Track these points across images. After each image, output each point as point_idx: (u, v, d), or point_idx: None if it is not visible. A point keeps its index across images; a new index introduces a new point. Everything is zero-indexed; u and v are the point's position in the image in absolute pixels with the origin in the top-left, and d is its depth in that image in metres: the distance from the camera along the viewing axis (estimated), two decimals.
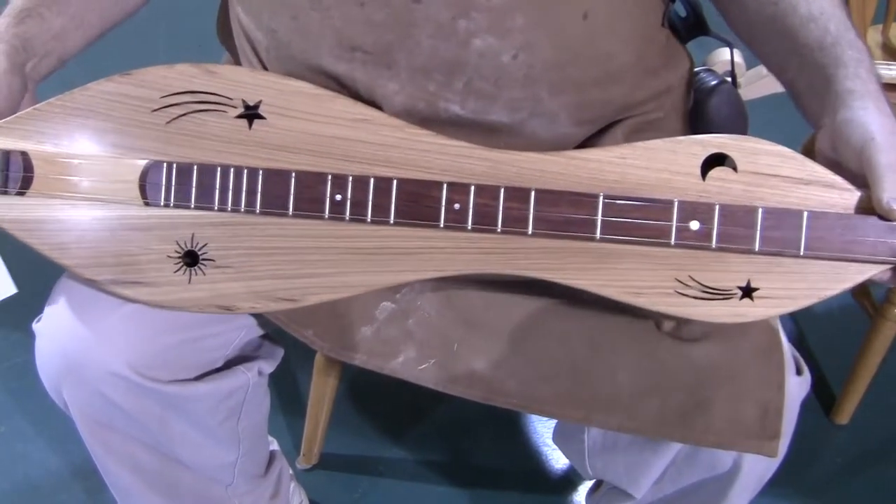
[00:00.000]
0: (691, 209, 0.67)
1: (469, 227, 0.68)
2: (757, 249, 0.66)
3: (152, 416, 0.82)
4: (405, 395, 1.39)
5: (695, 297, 0.67)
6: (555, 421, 1.02)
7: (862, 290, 1.36)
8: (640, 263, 0.67)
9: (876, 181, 0.63)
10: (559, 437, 0.99)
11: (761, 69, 1.19)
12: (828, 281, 0.66)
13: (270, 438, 1.08)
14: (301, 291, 0.71)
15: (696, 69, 0.91)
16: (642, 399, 0.76)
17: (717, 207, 0.66)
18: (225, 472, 0.95)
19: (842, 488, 1.31)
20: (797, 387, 0.78)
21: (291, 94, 0.71)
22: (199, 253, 0.71)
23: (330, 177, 0.69)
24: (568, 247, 0.68)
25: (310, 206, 0.70)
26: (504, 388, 0.79)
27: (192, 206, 0.71)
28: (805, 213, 0.65)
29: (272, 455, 1.08)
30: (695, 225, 0.67)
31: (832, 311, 1.56)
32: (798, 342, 1.48)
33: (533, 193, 0.68)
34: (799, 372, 0.80)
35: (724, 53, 1.04)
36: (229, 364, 0.87)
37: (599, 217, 0.67)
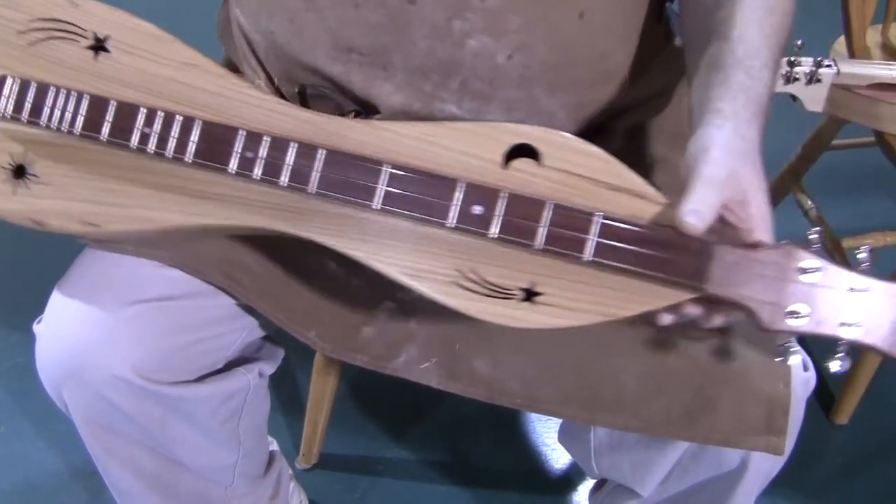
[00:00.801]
0: (478, 193, 0.65)
1: (257, 177, 0.69)
2: (538, 246, 0.63)
3: (153, 418, 0.81)
4: (405, 394, 1.39)
5: (473, 292, 0.64)
6: (556, 421, 1.02)
7: None
8: (423, 246, 0.66)
9: (686, 191, 0.60)
10: (564, 437, 0.99)
11: None
12: (619, 300, 0.63)
13: (270, 439, 1.08)
14: (105, 217, 0.73)
15: None
16: (647, 398, 0.76)
17: (505, 195, 0.64)
18: (225, 474, 0.94)
19: (841, 488, 1.31)
20: (803, 384, 0.78)
21: (139, 33, 0.74)
22: (27, 167, 0.74)
23: (143, 110, 0.72)
24: (352, 215, 0.68)
25: (121, 135, 0.73)
26: (506, 388, 0.79)
27: (25, 120, 0.75)
28: (597, 216, 0.63)
29: (271, 455, 1.07)
30: (478, 209, 0.65)
31: None
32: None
33: (322, 153, 0.68)
34: (805, 369, 0.79)
35: None
36: (229, 366, 0.87)
37: (381, 186, 0.67)
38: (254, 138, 0.70)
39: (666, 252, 0.62)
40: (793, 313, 0.62)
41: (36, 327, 0.81)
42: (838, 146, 1.50)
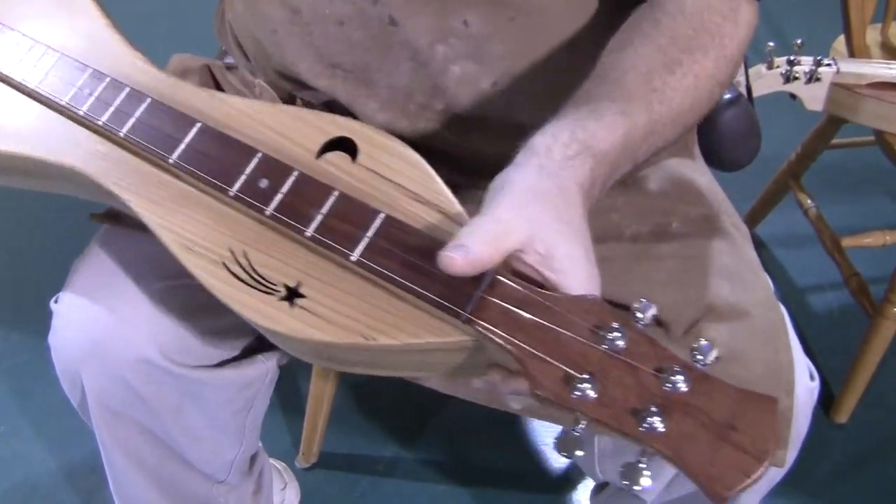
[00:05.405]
0: (270, 167, 0.62)
1: (81, 112, 0.69)
2: (309, 233, 0.59)
3: (169, 405, 0.81)
4: (406, 394, 1.39)
5: (237, 278, 0.59)
6: None
7: (861, 289, 1.36)
8: (207, 218, 0.63)
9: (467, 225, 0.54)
10: None
11: (761, 68, 1.19)
12: (380, 321, 0.55)
13: None
14: None
15: None
16: None
17: (296, 174, 0.61)
18: (223, 470, 0.94)
19: (841, 487, 1.31)
20: (808, 394, 0.76)
21: None
22: None
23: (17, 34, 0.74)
24: (151, 174, 0.66)
25: None
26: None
27: None
28: (381, 215, 0.58)
29: (255, 451, 1.07)
30: (264, 183, 0.61)
31: (832, 310, 1.56)
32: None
33: (148, 101, 0.68)
34: (811, 378, 0.77)
35: None
36: (246, 353, 0.86)
37: (185, 141, 0.65)
38: (97, 76, 0.71)
39: (437, 271, 0.53)
40: (571, 380, 0.48)
41: (54, 306, 0.80)
42: (838, 145, 1.50)
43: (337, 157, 0.63)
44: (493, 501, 1.29)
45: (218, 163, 0.64)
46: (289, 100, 0.80)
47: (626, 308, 0.75)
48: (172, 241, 0.62)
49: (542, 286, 0.54)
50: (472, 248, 0.52)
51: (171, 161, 0.65)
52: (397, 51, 0.71)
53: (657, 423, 0.46)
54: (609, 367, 0.49)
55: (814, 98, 1.20)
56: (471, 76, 0.71)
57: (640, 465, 0.47)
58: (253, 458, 1.04)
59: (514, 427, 1.38)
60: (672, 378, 0.47)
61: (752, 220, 1.64)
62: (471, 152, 0.75)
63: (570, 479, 1.32)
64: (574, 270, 0.54)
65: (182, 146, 0.65)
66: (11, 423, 1.36)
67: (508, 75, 0.72)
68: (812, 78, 1.18)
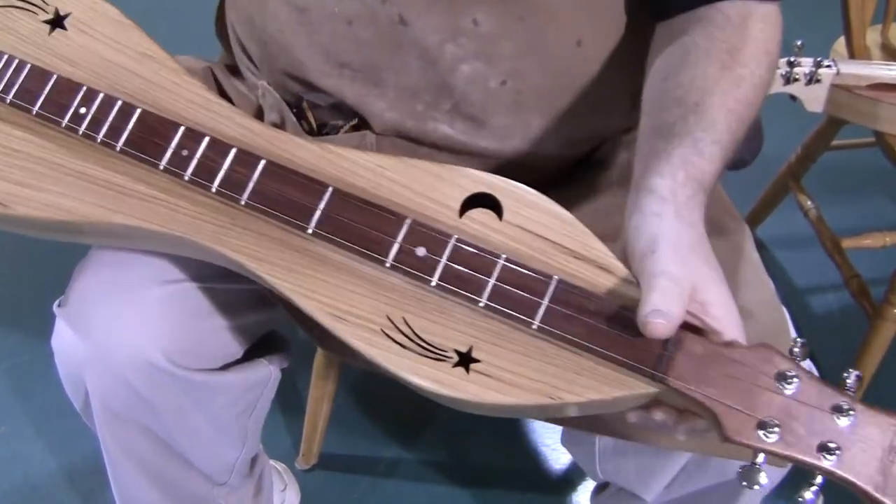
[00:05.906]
0: (424, 234, 0.59)
1: (187, 178, 0.64)
2: (483, 303, 0.57)
3: (172, 406, 0.80)
4: (406, 394, 1.39)
5: (401, 345, 0.57)
6: None
7: (861, 291, 1.36)
8: (354, 284, 0.59)
9: (644, 289, 0.55)
10: (568, 441, 0.98)
11: None
12: (566, 381, 0.55)
13: None
14: (14, 198, 0.67)
15: None
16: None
17: (453, 241, 0.59)
18: (224, 472, 0.94)
19: (841, 488, 1.31)
20: None
21: (100, 15, 0.72)
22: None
23: (84, 88, 0.69)
24: (281, 239, 0.62)
25: (54, 108, 0.69)
26: None
27: None
28: (554, 280, 0.57)
29: (256, 453, 1.07)
30: (421, 251, 0.59)
31: (832, 311, 1.56)
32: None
33: (263, 163, 0.63)
34: None
35: None
36: (249, 356, 0.86)
37: (320, 208, 0.61)
38: (193, 136, 0.65)
39: (625, 331, 0.55)
40: (763, 425, 0.54)
41: (57, 309, 0.79)
42: (838, 146, 1.51)
43: (482, 215, 0.60)
44: (493, 501, 1.29)
45: (363, 230, 0.60)
46: (295, 101, 0.80)
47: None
48: (319, 311, 0.59)
49: (699, 331, 0.56)
50: (670, 311, 0.54)
51: (309, 231, 0.61)
52: (406, 50, 0.71)
53: (835, 454, 0.54)
54: (790, 410, 0.54)
55: (814, 99, 1.20)
56: (479, 75, 0.71)
57: (812, 486, 0.56)
58: (253, 460, 1.04)
59: (514, 427, 1.38)
60: (843, 414, 0.54)
61: (752, 221, 1.64)
62: (476, 153, 0.75)
63: (570, 479, 1.32)
64: (729, 314, 0.57)
65: (318, 214, 0.61)
66: (11, 423, 1.36)
67: (517, 75, 0.72)
68: (812, 79, 1.18)
